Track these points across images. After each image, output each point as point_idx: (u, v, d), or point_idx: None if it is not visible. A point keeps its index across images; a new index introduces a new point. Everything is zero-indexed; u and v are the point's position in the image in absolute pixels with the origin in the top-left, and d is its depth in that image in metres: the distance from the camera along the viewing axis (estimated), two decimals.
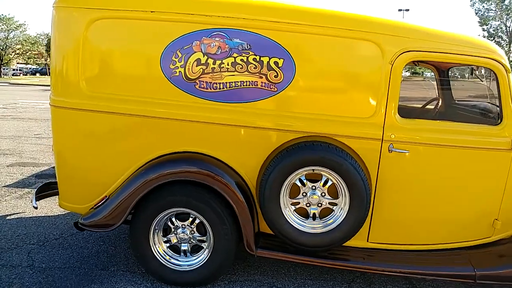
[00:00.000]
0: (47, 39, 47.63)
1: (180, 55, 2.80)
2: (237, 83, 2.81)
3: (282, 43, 2.73)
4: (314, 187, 2.79)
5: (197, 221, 2.93)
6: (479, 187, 2.92)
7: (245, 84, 2.80)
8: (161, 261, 2.97)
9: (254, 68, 2.77)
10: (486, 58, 2.73)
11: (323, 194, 2.79)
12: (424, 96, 4.36)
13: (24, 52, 52.79)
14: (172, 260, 2.99)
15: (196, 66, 2.80)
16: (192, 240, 2.98)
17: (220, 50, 2.78)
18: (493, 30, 34.54)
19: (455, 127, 2.90)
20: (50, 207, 4.53)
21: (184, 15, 2.77)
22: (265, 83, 2.79)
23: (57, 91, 3.01)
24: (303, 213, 2.87)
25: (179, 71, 2.82)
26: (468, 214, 2.99)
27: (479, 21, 34.66)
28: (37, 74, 56.10)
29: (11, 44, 48.75)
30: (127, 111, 2.88)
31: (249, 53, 2.76)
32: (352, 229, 2.78)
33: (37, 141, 8.33)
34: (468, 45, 2.73)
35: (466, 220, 3.00)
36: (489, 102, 3.31)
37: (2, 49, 46.90)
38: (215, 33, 2.76)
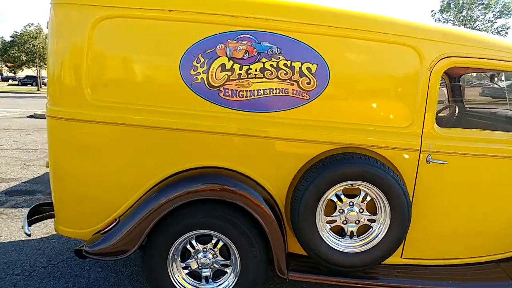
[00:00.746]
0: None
1: (202, 59, 2.51)
2: (265, 90, 2.55)
3: (316, 47, 2.51)
4: (351, 203, 2.58)
5: (220, 243, 2.64)
6: (511, 196, 2.84)
7: (274, 92, 2.56)
8: None
9: (285, 74, 2.53)
10: None
11: (361, 210, 2.59)
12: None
13: None
14: None
15: (221, 72, 2.53)
16: (215, 264, 2.68)
17: (247, 55, 2.52)
18: None
19: (488, 136, 2.79)
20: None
21: (206, 15, 2.48)
22: (296, 90, 2.56)
23: (56, 100, 2.63)
24: (338, 231, 2.66)
25: (201, 78, 2.53)
26: (500, 225, 2.89)
27: None
28: None
29: None
30: (141, 123, 2.55)
31: (279, 58, 2.52)
32: (392, 246, 2.60)
33: (0, 153, 7.61)
34: (508, 51, 2.64)
35: (498, 232, 2.90)
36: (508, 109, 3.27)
37: None
38: (241, 35, 2.50)
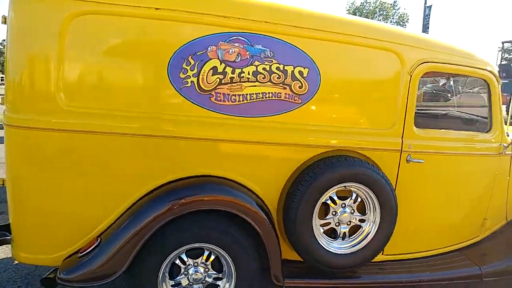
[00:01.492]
0: None
1: (192, 62, 2.35)
2: (258, 94, 2.48)
3: (307, 51, 2.51)
4: (344, 205, 2.62)
5: (212, 256, 2.50)
6: (474, 190, 3.13)
7: (267, 96, 2.49)
8: None
9: (277, 78, 2.48)
10: (484, 70, 2.92)
11: (352, 211, 2.65)
12: None
13: None
14: None
15: (212, 76, 2.39)
16: (207, 278, 2.53)
17: (240, 57, 2.42)
18: None
19: (455, 135, 3.03)
20: None
21: (197, 15, 2.33)
22: (289, 94, 2.52)
23: (18, 107, 2.26)
24: (329, 234, 2.68)
25: (191, 81, 2.37)
26: (465, 216, 3.17)
27: None
28: None
29: None
30: (124, 130, 2.32)
31: (272, 61, 2.46)
32: (381, 244, 2.70)
33: None
34: (472, 58, 2.89)
35: (463, 223, 3.17)
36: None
37: None
38: (234, 37, 2.40)
